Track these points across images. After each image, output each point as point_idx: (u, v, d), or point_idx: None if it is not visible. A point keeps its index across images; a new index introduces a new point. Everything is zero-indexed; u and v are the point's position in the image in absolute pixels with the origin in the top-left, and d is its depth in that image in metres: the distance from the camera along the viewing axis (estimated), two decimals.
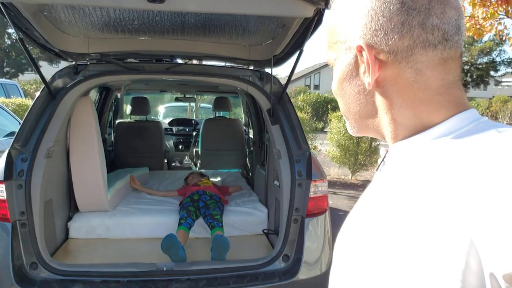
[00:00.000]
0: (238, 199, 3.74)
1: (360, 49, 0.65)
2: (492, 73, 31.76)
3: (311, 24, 2.29)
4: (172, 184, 4.30)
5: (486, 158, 0.54)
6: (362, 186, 8.25)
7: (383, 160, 0.77)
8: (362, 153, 8.55)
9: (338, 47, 0.71)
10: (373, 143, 8.62)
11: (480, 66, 30.21)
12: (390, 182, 0.67)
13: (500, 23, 5.83)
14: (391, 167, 0.69)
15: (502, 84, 39.80)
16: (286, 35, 2.60)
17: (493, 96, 31.01)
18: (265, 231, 3.16)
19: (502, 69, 31.99)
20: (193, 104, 8.34)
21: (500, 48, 29.85)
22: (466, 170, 0.54)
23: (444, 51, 0.62)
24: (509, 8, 5.32)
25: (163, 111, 8.84)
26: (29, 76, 26.53)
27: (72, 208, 3.20)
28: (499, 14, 5.55)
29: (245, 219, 3.30)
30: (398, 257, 0.58)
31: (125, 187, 3.75)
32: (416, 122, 0.65)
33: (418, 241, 0.55)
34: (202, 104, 9.25)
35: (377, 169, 0.79)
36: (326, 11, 2.13)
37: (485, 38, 25.47)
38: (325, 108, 20.16)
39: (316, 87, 38.02)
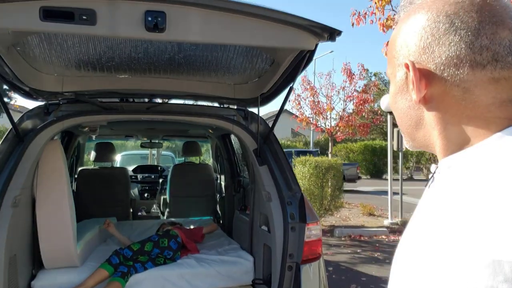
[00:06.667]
0: (218, 247, 3.49)
1: (407, 67, 0.68)
2: None
3: (304, 58, 2.22)
4: (142, 234, 3.99)
5: None
6: (328, 231, 8.12)
7: (432, 175, 0.76)
8: (326, 198, 8.54)
9: (393, 62, 0.74)
10: (336, 188, 8.65)
11: None
12: (439, 197, 0.65)
13: None
14: (440, 182, 0.69)
15: None
16: (276, 72, 2.52)
17: None
18: (257, 281, 2.94)
19: None
20: (154, 152, 8.05)
21: None
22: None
23: (494, 71, 0.62)
24: None
25: (119, 159, 8.11)
26: None
27: (36, 265, 2.84)
28: None
29: (230, 268, 3.06)
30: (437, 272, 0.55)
31: (94, 239, 3.43)
32: (464, 138, 0.65)
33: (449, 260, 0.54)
34: (162, 152, 8.98)
35: (426, 185, 0.78)
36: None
37: None
38: (289, 153, 20.34)
39: None
